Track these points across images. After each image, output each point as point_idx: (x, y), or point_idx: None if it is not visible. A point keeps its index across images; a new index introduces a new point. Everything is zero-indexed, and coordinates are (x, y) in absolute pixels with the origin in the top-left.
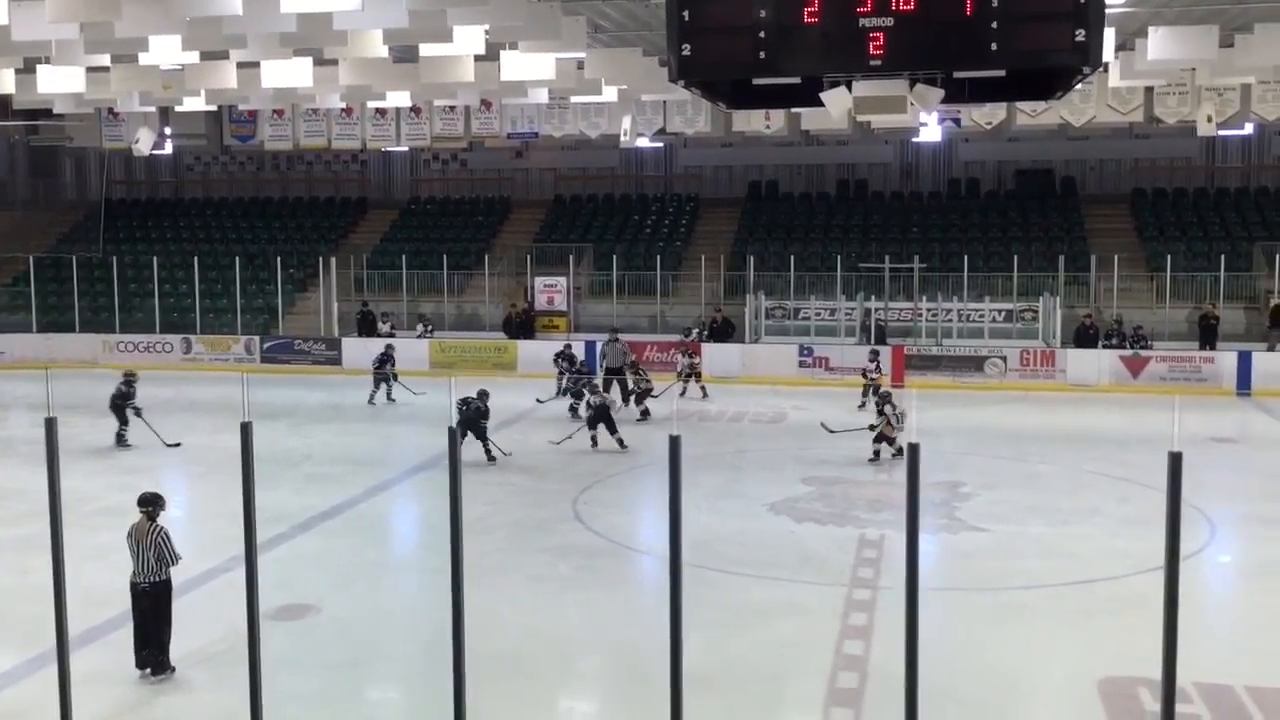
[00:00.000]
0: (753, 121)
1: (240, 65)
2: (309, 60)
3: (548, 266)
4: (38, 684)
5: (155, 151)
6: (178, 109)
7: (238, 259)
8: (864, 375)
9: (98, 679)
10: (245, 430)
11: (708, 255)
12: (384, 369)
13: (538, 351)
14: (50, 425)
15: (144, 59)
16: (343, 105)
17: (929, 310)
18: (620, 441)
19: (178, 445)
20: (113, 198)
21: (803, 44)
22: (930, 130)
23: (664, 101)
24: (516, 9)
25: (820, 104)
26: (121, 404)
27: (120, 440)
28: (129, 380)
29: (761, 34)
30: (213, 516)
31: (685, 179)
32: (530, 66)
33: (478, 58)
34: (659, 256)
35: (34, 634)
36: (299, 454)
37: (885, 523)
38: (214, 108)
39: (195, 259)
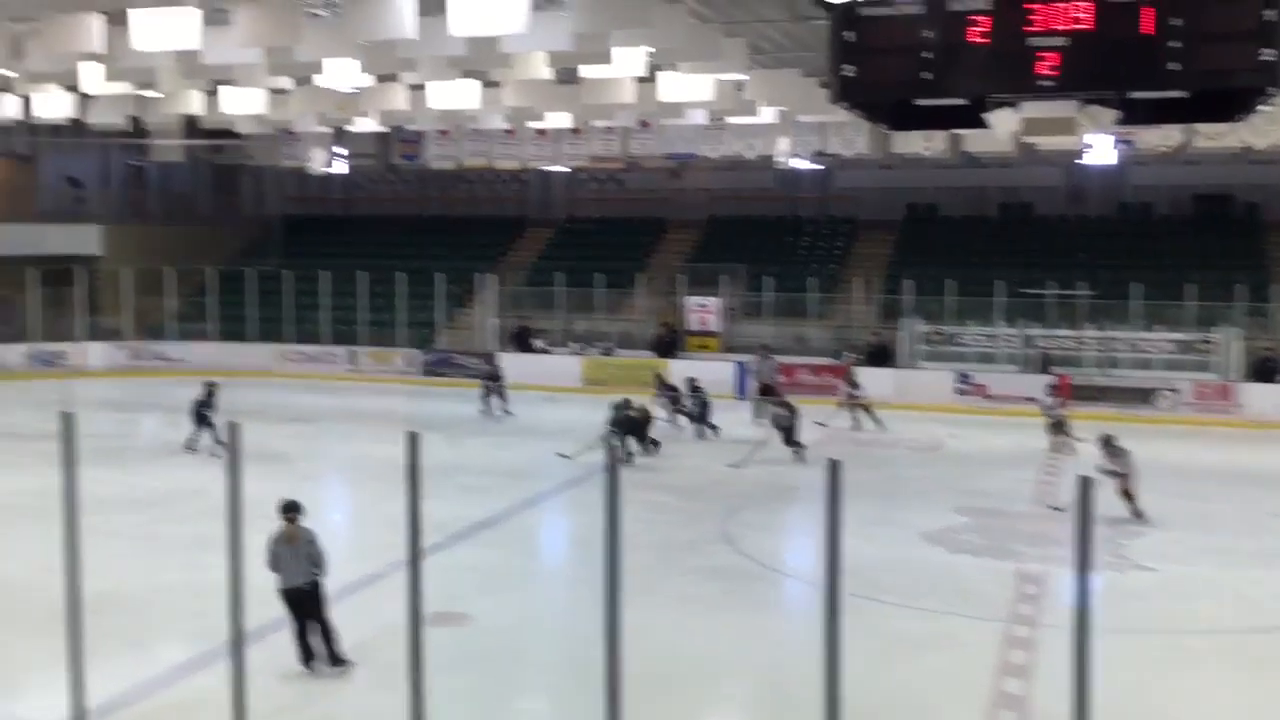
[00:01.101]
0: (912, 142)
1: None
2: (477, 83)
3: (700, 287)
4: (208, 678)
5: (328, 170)
6: (348, 129)
7: (401, 275)
8: (1046, 411)
9: (259, 675)
10: (412, 440)
11: (863, 278)
12: (488, 382)
13: (687, 371)
14: (234, 430)
15: (319, 81)
16: (505, 126)
17: (1096, 339)
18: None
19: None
20: (288, 214)
21: (969, 64)
22: (1102, 152)
23: (822, 122)
24: (678, 31)
25: (984, 125)
26: (201, 411)
27: (190, 445)
28: (210, 389)
29: (927, 54)
30: (366, 524)
31: (841, 200)
32: (688, 87)
33: (637, 79)
34: (815, 279)
35: (201, 630)
36: (452, 465)
37: (1046, 558)
38: (385, 128)
39: (365, 274)
